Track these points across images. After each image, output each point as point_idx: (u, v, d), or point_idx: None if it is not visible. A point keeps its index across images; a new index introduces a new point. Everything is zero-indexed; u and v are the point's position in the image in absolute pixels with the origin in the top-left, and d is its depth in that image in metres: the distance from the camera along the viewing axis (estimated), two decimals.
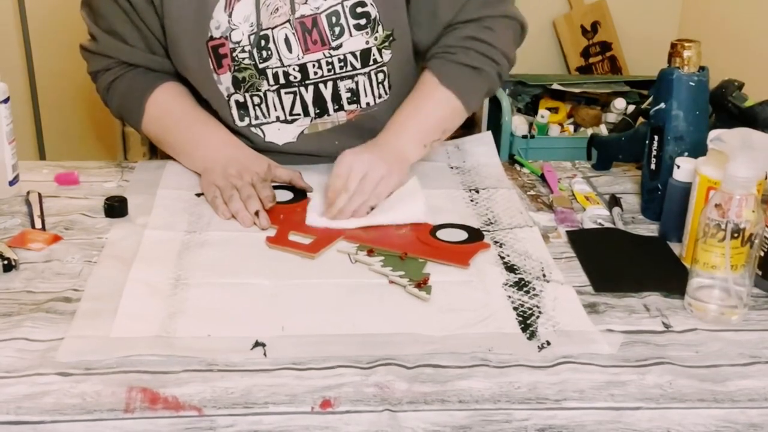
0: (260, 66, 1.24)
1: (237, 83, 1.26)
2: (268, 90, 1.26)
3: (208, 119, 1.30)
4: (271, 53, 1.23)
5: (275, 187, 1.24)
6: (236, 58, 1.23)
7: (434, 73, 1.27)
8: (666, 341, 0.93)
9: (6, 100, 1.21)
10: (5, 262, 1.03)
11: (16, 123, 1.25)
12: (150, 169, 1.33)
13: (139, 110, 1.31)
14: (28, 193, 1.22)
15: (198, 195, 1.24)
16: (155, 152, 1.41)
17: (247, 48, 1.23)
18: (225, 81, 1.26)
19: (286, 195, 1.23)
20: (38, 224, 1.14)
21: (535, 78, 2.60)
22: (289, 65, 1.24)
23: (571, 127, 2.54)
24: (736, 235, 0.93)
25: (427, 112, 1.26)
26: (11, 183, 1.24)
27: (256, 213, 1.15)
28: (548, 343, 0.91)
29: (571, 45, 2.82)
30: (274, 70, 1.25)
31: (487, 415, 0.82)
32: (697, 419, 0.83)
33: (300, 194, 1.24)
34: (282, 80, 1.25)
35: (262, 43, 1.23)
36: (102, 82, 1.34)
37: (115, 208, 1.17)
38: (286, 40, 1.23)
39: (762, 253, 1.01)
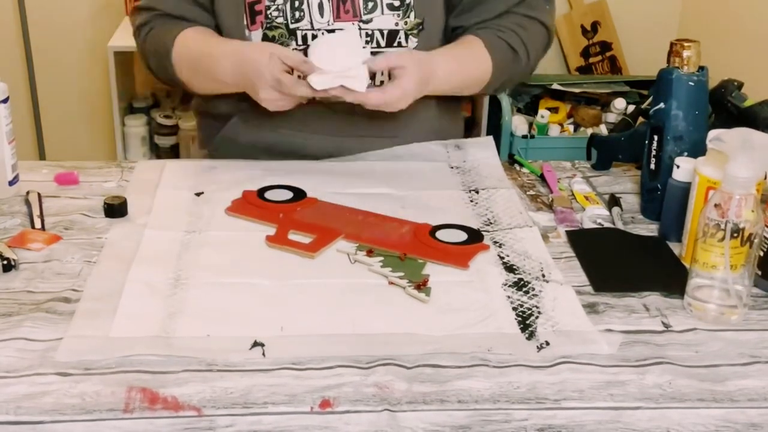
0: (291, 27, 1.27)
1: (266, 41, 1.28)
2: (296, 49, 1.28)
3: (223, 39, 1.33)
4: (304, 15, 1.27)
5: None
6: (270, 16, 1.27)
7: (483, 40, 1.31)
8: (666, 341, 0.93)
9: (5, 100, 1.21)
10: (5, 262, 1.03)
11: (15, 123, 1.25)
12: (150, 168, 1.33)
13: (168, 50, 1.32)
14: (27, 193, 1.22)
15: (198, 194, 1.24)
16: (155, 152, 1.41)
17: (281, 6, 1.26)
18: (256, 38, 1.29)
19: (286, 195, 1.23)
20: (38, 224, 1.14)
21: (535, 78, 2.60)
22: (319, 29, 1.27)
23: (571, 127, 2.54)
24: (735, 234, 0.93)
25: (469, 61, 1.31)
26: (11, 183, 1.24)
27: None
28: (547, 344, 0.91)
29: (571, 45, 2.82)
30: (304, 32, 1.28)
31: (486, 415, 0.82)
32: (697, 419, 0.83)
33: (300, 194, 1.24)
34: (310, 42, 1.28)
35: (296, 3, 1.26)
36: (142, 33, 1.37)
37: (115, 208, 1.17)
38: (320, 5, 1.27)
39: (761, 253, 1.01)
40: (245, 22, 1.28)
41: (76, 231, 1.14)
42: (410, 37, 1.29)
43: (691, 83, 1.16)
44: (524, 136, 2.45)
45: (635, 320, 0.97)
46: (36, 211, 1.16)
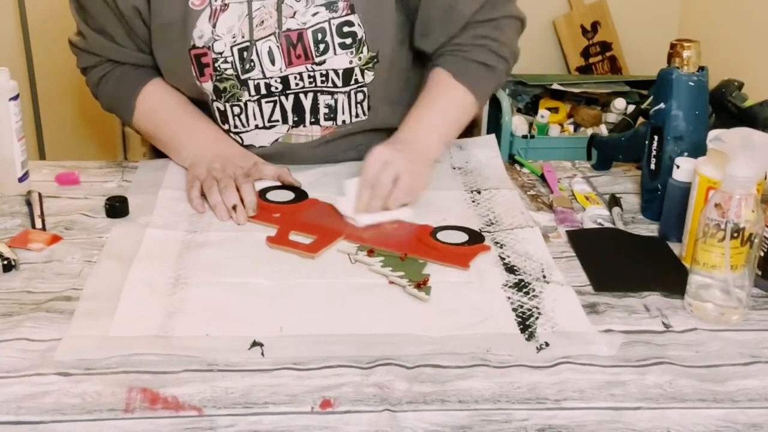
0: (242, 77, 1.24)
1: (218, 92, 1.26)
2: (249, 100, 1.26)
3: (197, 116, 1.31)
4: (254, 65, 1.23)
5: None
6: (218, 68, 1.23)
7: (448, 69, 1.28)
8: (666, 341, 0.93)
9: (15, 98, 1.22)
10: (5, 262, 1.03)
11: None
12: (152, 168, 1.33)
13: (129, 106, 1.32)
14: (28, 192, 1.22)
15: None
16: (155, 152, 1.41)
17: (229, 59, 1.23)
18: (207, 88, 1.26)
19: (286, 195, 1.23)
20: (38, 224, 1.14)
21: (535, 78, 2.60)
22: (271, 77, 1.24)
23: (571, 127, 2.54)
24: (735, 235, 0.93)
25: (444, 107, 1.28)
26: (21, 179, 1.24)
27: (234, 207, 1.15)
28: (547, 344, 0.91)
29: (571, 45, 2.82)
30: (256, 82, 1.25)
31: (487, 415, 0.82)
32: (697, 419, 0.83)
33: (301, 194, 1.24)
34: (263, 91, 1.26)
35: (245, 54, 1.23)
36: (92, 77, 1.35)
37: (116, 208, 1.17)
38: (270, 53, 1.23)
39: (762, 253, 1.01)
40: (194, 73, 1.24)
41: (77, 231, 1.14)
42: (366, 71, 1.26)
43: (691, 83, 1.16)
44: (524, 136, 2.45)
45: (635, 320, 0.97)
46: (37, 211, 1.16)
